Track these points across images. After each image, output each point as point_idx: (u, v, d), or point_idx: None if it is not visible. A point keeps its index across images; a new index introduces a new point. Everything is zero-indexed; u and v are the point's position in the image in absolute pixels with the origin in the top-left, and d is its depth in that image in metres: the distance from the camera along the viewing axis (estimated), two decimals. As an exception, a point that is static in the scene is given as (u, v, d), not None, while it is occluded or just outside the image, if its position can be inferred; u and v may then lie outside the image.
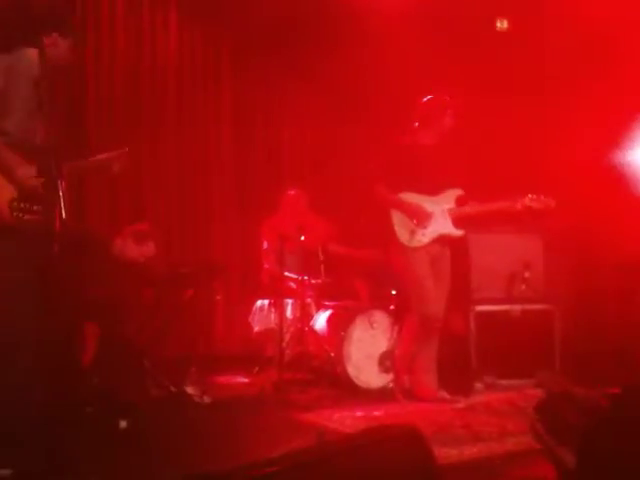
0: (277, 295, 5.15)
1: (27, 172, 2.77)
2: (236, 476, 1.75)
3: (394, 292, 5.32)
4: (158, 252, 4.50)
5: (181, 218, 6.09)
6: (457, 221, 4.55)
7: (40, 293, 2.78)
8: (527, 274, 5.10)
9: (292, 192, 5.75)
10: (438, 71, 5.34)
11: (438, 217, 4.50)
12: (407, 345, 4.55)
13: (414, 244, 4.45)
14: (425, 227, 4.45)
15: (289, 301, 5.32)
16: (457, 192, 4.58)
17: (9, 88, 2.80)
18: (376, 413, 4.25)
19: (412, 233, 4.45)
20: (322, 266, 5.49)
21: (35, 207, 2.75)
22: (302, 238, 5.26)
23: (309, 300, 5.35)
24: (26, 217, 2.73)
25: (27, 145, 2.78)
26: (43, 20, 2.95)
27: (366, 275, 5.56)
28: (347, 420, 4.08)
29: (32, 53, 2.89)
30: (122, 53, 5.87)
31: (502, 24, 6.32)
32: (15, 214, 2.72)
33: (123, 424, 3.75)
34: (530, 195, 4.43)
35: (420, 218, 4.44)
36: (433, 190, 4.53)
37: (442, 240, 4.54)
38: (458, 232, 4.56)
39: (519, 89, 5.67)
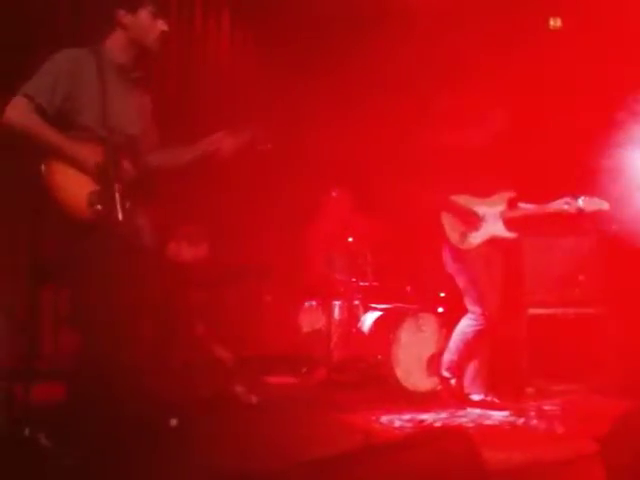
0: (325, 297, 5.16)
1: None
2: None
3: (442, 294, 5.29)
4: (209, 253, 4.57)
5: (230, 219, 6.13)
6: (509, 224, 4.51)
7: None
8: (581, 277, 5.00)
9: (335, 193, 5.73)
10: (489, 70, 5.26)
11: (489, 219, 4.48)
12: (461, 348, 4.52)
13: (465, 246, 4.45)
14: (476, 229, 4.45)
15: (337, 303, 5.31)
16: (509, 194, 4.55)
17: (86, 82, 2.78)
18: (423, 416, 4.21)
19: (463, 235, 4.45)
20: (370, 268, 5.47)
21: (107, 197, 2.71)
22: (350, 240, 5.25)
23: (357, 302, 5.33)
24: (100, 208, 2.69)
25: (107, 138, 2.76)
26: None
27: (414, 277, 5.51)
28: (394, 423, 4.06)
29: (109, 42, 2.91)
30: (175, 56, 5.96)
31: (555, 22, 6.21)
32: (93, 207, 2.69)
33: (174, 422, 3.80)
34: (583, 197, 4.36)
35: (471, 221, 4.44)
36: (485, 192, 4.52)
37: (494, 242, 4.50)
38: (510, 234, 4.52)
39: (572, 88, 5.55)
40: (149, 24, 2.92)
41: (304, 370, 5.36)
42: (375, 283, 5.48)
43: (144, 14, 2.91)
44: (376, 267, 5.52)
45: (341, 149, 6.44)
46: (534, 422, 4.07)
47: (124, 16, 2.90)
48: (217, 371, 4.70)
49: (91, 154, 2.75)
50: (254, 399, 4.63)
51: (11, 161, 4.48)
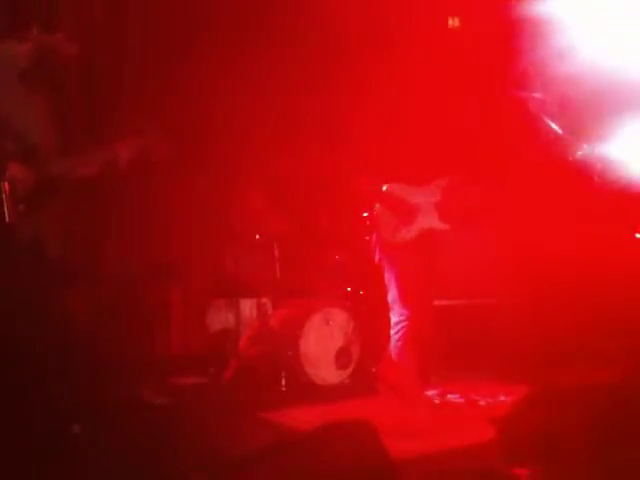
0: (233, 294, 5.14)
1: None
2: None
3: (349, 289, 5.37)
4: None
5: (138, 217, 5.96)
6: (444, 214, 4.32)
7: None
8: (477, 268, 5.18)
9: (247, 192, 5.67)
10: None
11: (424, 210, 4.27)
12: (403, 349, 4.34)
13: (398, 240, 4.27)
14: (410, 223, 4.25)
15: (245, 300, 5.30)
16: (445, 181, 4.34)
17: None
18: (333, 409, 4.28)
19: (396, 229, 4.25)
20: (277, 264, 5.48)
21: None
22: (257, 237, 5.25)
23: (265, 299, 5.33)
24: None
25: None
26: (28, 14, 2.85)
27: (321, 272, 5.56)
28: (303, 417, 4.10)
29: (16, 47, 2.83)
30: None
31: (454, 22, 6.39)
32: None
33: (76, 428, 3.69)
34: None
35: (406, 216, 4.23)
36: (420, 179, 4.29)
37: (428, 235, 4.30)
38: (444, 226, 4.31)
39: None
40: (61, 46, 2.91)
41: (213, 370, 5.32)
42: (283, 279, 5.49)
43: (59, 37, 2.91)
44: (283, 263, 5.53)
45: (253, 144, 6.37)
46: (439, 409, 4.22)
47: (39, 34, 2.86)
48: (123, 374, 4.61)
49: None
50: (163, 401, 4.57)
51: None
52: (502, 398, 4.41)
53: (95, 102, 5.67)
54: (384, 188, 4.29)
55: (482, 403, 4.40)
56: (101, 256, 5.07)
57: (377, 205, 4.33)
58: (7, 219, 2.50)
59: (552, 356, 4.83)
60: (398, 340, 4.34)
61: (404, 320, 4.30)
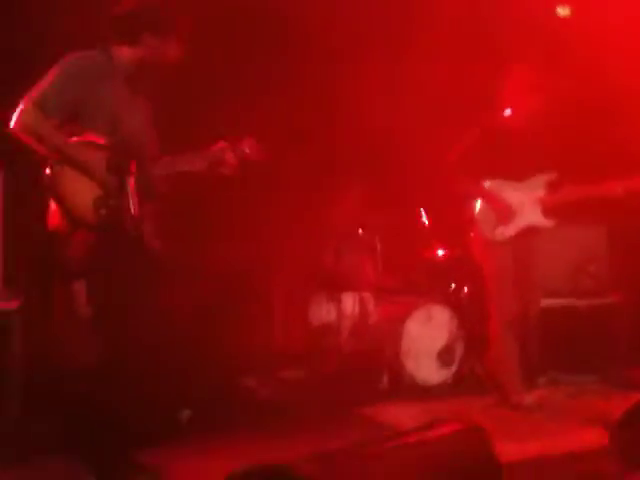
0: (335, 289, 5.14)
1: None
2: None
3: (453, 285, 5.26)
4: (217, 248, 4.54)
5: (239, 214, 6.09)
6: (548, 210, 4.17)
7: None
8: (592, 267, 4.96)
9: (349, 188, 5.68)
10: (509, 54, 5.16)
11: (526, 206, 4.15)
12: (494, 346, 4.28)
13: (498, 237, 4.16)
14: (511, 221, 4.14)
15: (347, 295, 5.29)
16: (548, 177, 4.17)
17: (95, 87, 2.79)
18: (435, 408, 4.20)
19: (495, 226, 4.15)
20: (379, 259, 5.45)
21: (112, 202, 2.75)
22: (360, 231, 5.22)
23: (367, 294, 5.31)
24: (104, 212, 2.72)
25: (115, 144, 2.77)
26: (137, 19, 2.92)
27: (425, 268, 5.48)
28: (405, 415, 4.05)
29: (123, 51, 2.92)
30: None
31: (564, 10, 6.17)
32: (98, 212, 2.72)
33: (186, 414, 3.81)
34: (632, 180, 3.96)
35: (505, 215, 4.13)
36: (521, 175, 4.17)
37: (530, 232, 4.18)
38: (548, 223, 4.18)
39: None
40: (170, 49, 2.97)
41: (314, 364, 5.34)
42: (385, 275, 5.46)
43: (170, 41, 2.96)
44: (386, 258, 5.49)
45: (357, 143, 6.39)
46: (546, 413, 4.06)
47: (149, 38, 2.92)
48: (229, 365, 4.71)
49: (98, 160, 2.76)
50: (266, 393, 4.64)
51: (16, 167, 4.53)
52: (614, 403, 4.21)
53: (193, 104, 5.84)
54: (485, 185, 4.20)
55: (591, 407, 4.20)
56: (204, 253, 5.18)
57: (477, 202, 4.23)
58: (133, 211, 2.59)
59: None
60: (499, 339, 4.23)
61: (501, 320, 4.20)
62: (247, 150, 3.09)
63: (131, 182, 2.76)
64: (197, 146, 3.16)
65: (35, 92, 2.75)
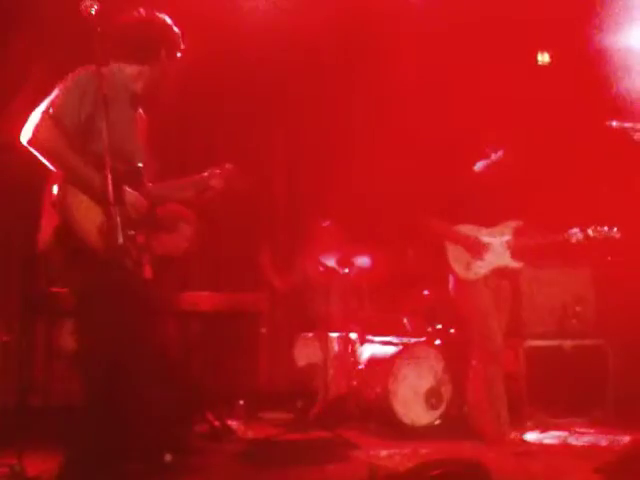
0: (322, 329, 5.09)
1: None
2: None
3: (440, 326, 5.24)
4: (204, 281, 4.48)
5: (224, 248, 6.06)
6: (515, 253, 4.43)
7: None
8: (578, 308, 4.99)
9: (327, 224, 5.66)
10: (484, 105, 5.30)
11: (496, 248, 4.41)
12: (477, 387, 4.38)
13: (471, 276, 4.37)
14: (481, 259, 4.37)
15: (334, 335, 5.24)
16: (515, 223, 4.48)
17: (101, 106, 2.67)
18: (424, 450, 4.14)
19: (468, 265, 4.37)
20: (366, 299, 5.43)
21: (117, 229, 2.59)
22: (346, 271, 5.20)
23: (354, 334, 5.27)
24: (107, 238, 2.60)
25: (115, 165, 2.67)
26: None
27: (411, 309, 5.46)
28: (395, 457, 3.98)
29: (131, 70, 2.89)
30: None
31: (543, 57, 6.30)
32: (103, 238, 2.60)
33: (168, 457, 3.71)
34: (594, 226, 4.31)
35: (476, 250, 4.36)
36: (490, 221, 4.46)
37: (500, 272, 4.43)
38: (516, 264, 4.45)
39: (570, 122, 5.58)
40: (173, 68, 2.98)
41: (300, 405, 5.26)
42: (372, 315, 5.43)
43: (174, 60, 2.97)
44: (373, 298, 5.47)
45: (336, 182, 6.45)
46: (535, 457, 4.01)
47: (155, 57, 2.92)
48: (212, 405, 4.63)
49: (101, 182, 2.63)
50: (250, 434, 4.55)
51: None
52: (604, 445, 4.19)
53: (188, 129, 5.90)
54: (456, 229, 4.43)
55: (583, 449, 4.17)
56: (189, 290, 5.13)
57: (448, 243, 4.43)
58: (120, 241, 2.51)
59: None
60: (475, 381, 4.35)
61: (479, 360, 4.33)
62: (232, 178, 3.13)
63: (117, 211, 2.67)
64: (184, 173, 3.16)
65: (51, 107, 2.66)
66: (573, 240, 4.33)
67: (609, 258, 5.10)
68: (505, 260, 4.43)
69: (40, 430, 3.40)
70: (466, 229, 4.43)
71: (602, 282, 5.16)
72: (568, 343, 4.97)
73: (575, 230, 4.34)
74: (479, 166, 4.53)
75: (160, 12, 2.97)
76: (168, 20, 2.96)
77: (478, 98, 5.45)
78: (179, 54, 2.98)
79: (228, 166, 3.17)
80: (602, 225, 4.32)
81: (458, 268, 4.39)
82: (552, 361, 4.89)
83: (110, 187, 2.57)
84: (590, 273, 5.20)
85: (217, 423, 4.55)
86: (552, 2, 5.42)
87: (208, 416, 4.56)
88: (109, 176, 2.58)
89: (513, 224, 4.48)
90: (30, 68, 4.79)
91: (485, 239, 4.41)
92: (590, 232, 4.31)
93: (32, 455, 3.47)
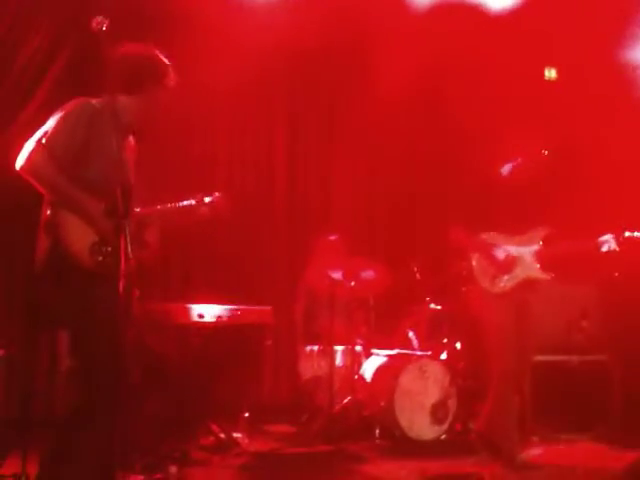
0: (327, 342, 5.09)
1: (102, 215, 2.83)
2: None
3: (446, 340, 5.23)
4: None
5: (232, 263, 6.07)
6: (545, 264, 4.16)
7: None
8: (584, 323, 4.96)
9: (333, 237, 5.65)
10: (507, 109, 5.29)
11: (525, 260, 4.14)
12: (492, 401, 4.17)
13: (496, 290, 4.12)
14: (509, 272, 4.11)
15: (339, 348, 5.23)
16: (544, 231, 4.20)
17: (94, 135, 2.85)
18: (428, 465, 4.11)
19: (494, 278, 4.13)
20: (372, 313, 5.42)
21: (108, 249, 2.80)
22: (352, 284, 5.19)
23: (359, 347, 5.26)
24: (101, 259, 2.79)
25: (106, 190, 2.80)
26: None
27: (417, 322, 5.45)
28: (400, 472, 3.96)
29: (124, 100, 2.96)
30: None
31: (550, 73, 6.31)
32: (94, 258, 2.77)
33: (173, 470, 3.71)
34: (629, 232, 3.99)
35: (503, 262, 4.10)
36: (518, 229, 4.18)
37: (529, 285, 4.15)
38: (546, 276, 4.15)
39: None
40: (165, 98, 3.08)
41: (304, 418, 5.25)
42: (377, 328, 5.41)
43: (166, 90, 3.06)
44: (378, 312, 5.46)
45: (348, 193, 6.44)
46: (542, 473, 3.98)
47: (148, 87, 3.01)
48: (217, 417, 4.62)
49: (96, 207, 2.81)
50: (254, 447, 4.53)
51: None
52: (609, 462, 4.16)
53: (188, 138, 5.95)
54: (483, 237, 4.20)
55: (586, 466, 4.14)
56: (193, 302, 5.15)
57: (474, 254, 4.21)
58: (130, 255, 2.59)
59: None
60: (498, 393, 4.16)
61: (500, 374, 4.12)
62: (220, 206, 3.23)
63: (128, 228, 2.76)
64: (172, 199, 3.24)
65: (46, 136, 2.80)
66: (604, 249, 4.01)
67: (616, 274, 5.06)
68: (534, 272, 4.15)
69: (44, 441, 3.40)
70: (492, 237, 4.18)
71: (608, 297, 5.13)
72: (574, 358, 4.94)
73: (608, 237, 4.02)
74: (505, 170, 4.27)
75: (150, 44, 3.06)
76: (156, 53, 3.05)
77: (500, 102, 5.45)
78: (170, 84, 3.05)
79: (217, 194, 3.26)
80: (632, 231, 4.00)
81: (483, 281, 4.15)
82: (557, 376, 4.86)
83: (120, 201, 2.68)
84: (596, 288, 5.18)
85: (222, 435, 4.54)
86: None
87: (213, 428, 4.55)
88: (119, 190, 2.73)
89: (542, 231, 4.19)
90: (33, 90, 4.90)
91: (514, 251, 4.14)
92: (626, 234, 3.97)
93: (36, 465, 3.47)
